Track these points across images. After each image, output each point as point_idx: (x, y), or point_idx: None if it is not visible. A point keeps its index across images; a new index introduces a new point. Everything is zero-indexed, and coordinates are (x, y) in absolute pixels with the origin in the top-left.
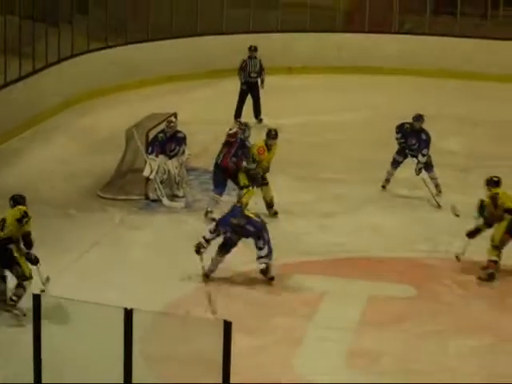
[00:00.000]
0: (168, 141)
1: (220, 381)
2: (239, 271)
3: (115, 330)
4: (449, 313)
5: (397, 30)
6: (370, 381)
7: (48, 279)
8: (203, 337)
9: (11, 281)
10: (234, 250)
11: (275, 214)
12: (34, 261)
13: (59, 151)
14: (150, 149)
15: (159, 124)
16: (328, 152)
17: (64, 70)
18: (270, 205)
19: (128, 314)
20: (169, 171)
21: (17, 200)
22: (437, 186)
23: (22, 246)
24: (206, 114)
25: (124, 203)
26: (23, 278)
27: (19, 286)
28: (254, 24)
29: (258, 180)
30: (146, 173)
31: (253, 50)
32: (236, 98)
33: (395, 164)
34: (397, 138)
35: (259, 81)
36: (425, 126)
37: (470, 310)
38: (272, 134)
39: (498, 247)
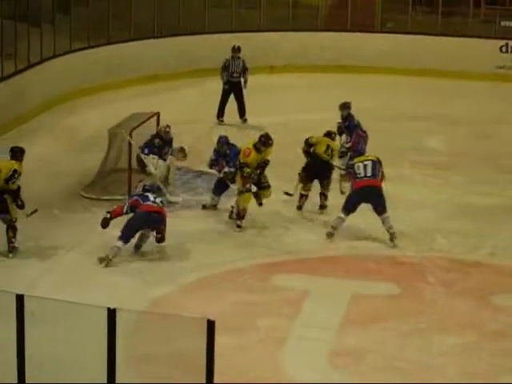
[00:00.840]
0: (164, 145)
1: (203, 381)
2: (222, 270)
3: (99, 330)
4: (432, 311)
5: (379, 29)
6: (354, 380)
7: (36, 211)
8: (186, 336)
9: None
10: (214, 249)
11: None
12: (21, 206)
13: (42, 151)
14: (146, 150)
15: (142, 123)
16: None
17: (46, 70)
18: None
19: (111, 314)
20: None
21: (14, 153)
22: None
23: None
24: (189, 114)
25: (107, 203)
26: (11, 222)
27: (11, 227)
28: (236, 23)
29: (254, 180)
30: (151, 169)
31: (236, 49)
32: (219, 97)
33: None
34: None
35: (242, 81)
36: (405, 124)
37: (453, 308)
38: (268, 143)
39: None
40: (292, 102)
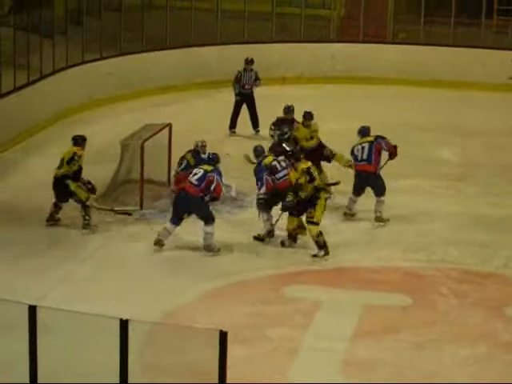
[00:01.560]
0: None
1: None
2: (235, 281)
3: (112, 341)
4: (444, 322)
5: (391, 40)
6: None
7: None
8: (199, 347)
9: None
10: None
11: None
12: (92, 190)
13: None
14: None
15: (154, 135)
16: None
17: (59, 81)
18: None
19: (124, 325)
20: None
21: (76, 141)
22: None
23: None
24: (201, 125)
25: (120, 214)
26: (83, 203)
27: (85, 207)
28: (248, 34)
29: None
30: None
31: (249, 62)
32: (231, 108)
33: None
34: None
35: (254, 91)
36: (418, 135)
37: (465, 319)
38: (310, 115)
39: None
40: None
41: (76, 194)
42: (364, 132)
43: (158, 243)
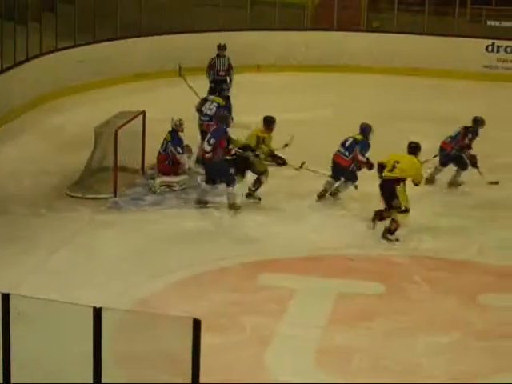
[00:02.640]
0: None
1: (189, 380)
2: (207, 269)
3: (85, 329)
4: (418, 310)
5: (365, 28)
6: (340, 380)
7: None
8: (172, 335)
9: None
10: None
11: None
12: (282, 162)
13: (28, 150)
14: (180, 149)
15: (128, 122)
16: (297, 149)
17: (33, 68)
18: None
19: (97, 313)
20: None
21: (267, 121)
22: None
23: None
24: (174, 112)
25: (93, 202)
26: (260, 173)
27: (257, 180)
28: (222, 22)
29: None
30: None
31: (221, 48)
32: (204, 95)
33: None
34: None
35: (228, 79)
36: (392, 123)
37: (438, 307)
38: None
39: None
40: (278, 101)
41: (255, 165)
42: (362, 130)
43: (200, 202)
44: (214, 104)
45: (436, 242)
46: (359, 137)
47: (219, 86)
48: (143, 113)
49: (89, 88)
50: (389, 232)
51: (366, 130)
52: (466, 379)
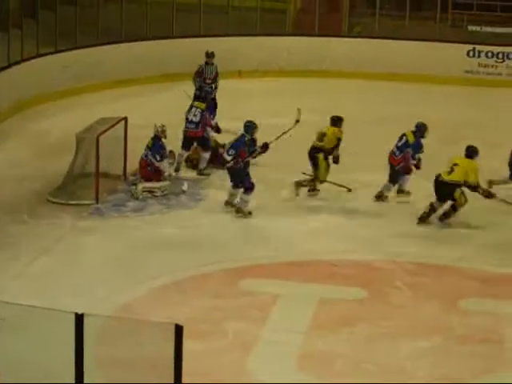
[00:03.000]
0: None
1: None
2: (189, 275)
3: (67, 335)
4: (399, 315)
5: (347, 34)
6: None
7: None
8: (154, 341)
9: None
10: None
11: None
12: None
13: (10, 155)
14: (158, 157)
15: (110, 128)
16: (278, 155)
17: (14, 74)
18: None
19: (79, 319)
20: None
21: (336, 120)
22: None
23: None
24: (157, 119)
25: (75, 208)
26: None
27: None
28: (204, 28)
29: None
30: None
31: (210, 55)
32: (187, 101)
33: None
34: None
35: (213, 86)
36: (374, 129)
37: (420, 312)
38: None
39: None
40: (260, 107)
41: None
42: (417, 129)
43: (229, 204)
44: (198, 110)
45: (418, 248)
46: (412, 138)
47: (205, 93)
48: (125, 119)
49: (71, 94)
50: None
51: (420, 128)
52: (446, 382)
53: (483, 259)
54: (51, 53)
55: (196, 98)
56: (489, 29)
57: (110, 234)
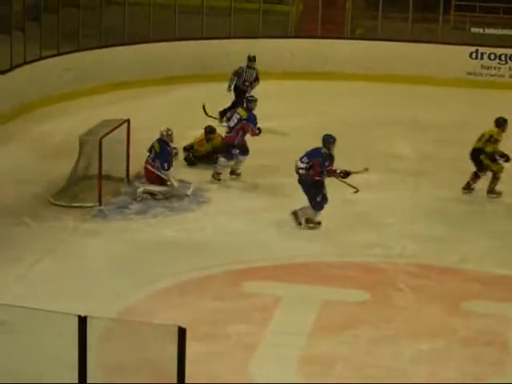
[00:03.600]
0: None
1: None
2: (191, 278)
3: (70, 338)
4: (402, 317)
5: (349, 36)
6: None
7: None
8: (157, 343)
9: None
10: (185, 255)
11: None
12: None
13: (13, 158)
14: (166, 165)
15: (113, 130)
16: (281, 157)
17: (17, 77)
18: None
19: (82, 321)
20: None
21: (500, 121)
22: None
23: None
24: (159, 121)
25: (78, 211)
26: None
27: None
28: (207, 30)
29: None
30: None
31: (252, 59)
32: (189, 103)
33: None
34: None
35: (250, 89)
36: (375, 130)
37: (423, 314)
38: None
39: None
40: (261, 109)
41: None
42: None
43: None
44: (237, 116)
45: (419, 249)
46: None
47: (241, 95)
48: (128, 121)
49: (73, 96)
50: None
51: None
52: None
53: (485, 261)
54: (54, 55)
55: (237, 102)
56: (491, 31)
57: (113, 236)
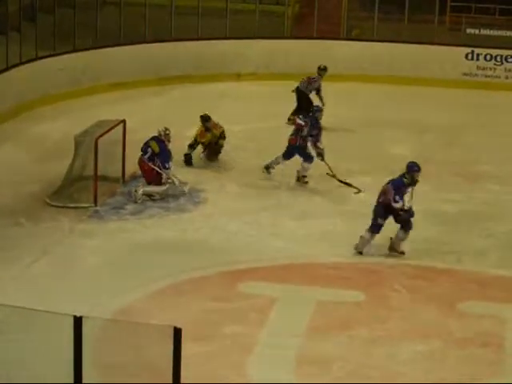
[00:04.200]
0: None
1: None
2: (187, 278)
3: (66, 338)
4: (398, 318)
5: (345, 37)
6: None
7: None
8: (153, 344)
9: None
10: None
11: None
12: None
13: (8, 159)
14: (167, 165)
15: (108, 131)
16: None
17: (13, 77)
18: None
19: (77, 322)
20: None
21: None
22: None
23: None
24: (155, 122)
25: (73, 211)
26: None
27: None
28: (202, 31)
29: None
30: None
31: (323, 69)
32: (184, 104)
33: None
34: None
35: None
36: (372, 131)
37: (418, 315)
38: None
39: None
40: (258, 110)
41: None
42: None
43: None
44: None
45: (414, 250)
46: None
47: (303, 100)
48: (123, 122)
49: (69, 97)
50: None
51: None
52: None
53: (480, 262)
54: (50, 56)
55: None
56: (487, 32)
57: (108, 237)
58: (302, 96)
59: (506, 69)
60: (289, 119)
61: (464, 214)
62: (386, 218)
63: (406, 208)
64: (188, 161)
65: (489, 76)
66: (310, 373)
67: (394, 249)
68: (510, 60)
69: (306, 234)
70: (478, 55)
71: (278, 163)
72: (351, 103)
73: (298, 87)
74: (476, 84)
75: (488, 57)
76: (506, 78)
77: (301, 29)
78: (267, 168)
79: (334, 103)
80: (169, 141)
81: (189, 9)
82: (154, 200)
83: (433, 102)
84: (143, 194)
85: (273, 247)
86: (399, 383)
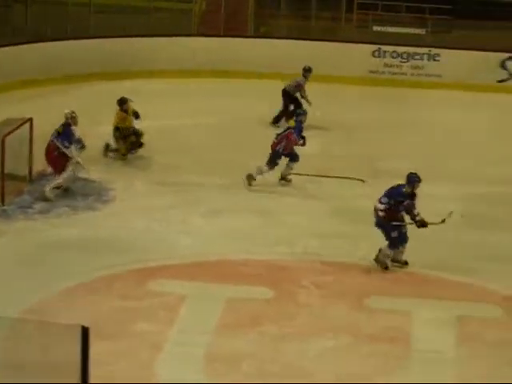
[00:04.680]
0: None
1: None
2: (97, 277)
3: None
4: (307, 314)
5: (252, 34)
6: None
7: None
8: (61, 343)
9: None
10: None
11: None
12: None
13: None
14: (67, 142)
15: (15, 129)
16: (185, 156)
17: None
18: None
19: None
20: None
21: None
22: None
23: None
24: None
25: None
26: None
27: None
28: (118, 29)
29: None
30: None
31: (308, 70)
32: (91, 103)
33: None
34: None
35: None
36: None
37: (328, 311)
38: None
39: None
40: (165, 107)
41: None
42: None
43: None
44: (286, 126)
45: (322, 246)
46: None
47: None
48: (30, 120)
49: None
50: None
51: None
52: (354, 382)
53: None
54: None
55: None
56: (393, 29)
57: (16, 236)
58: (288, 98)
59: (412, 66)
60: (274, 122)
61: (368, 210)
62: (395, 230)
63: (417, 219)
64: (106, 154)
65: (395, 73)
66: (219, 370)
67: (396, 260)
68: (416, 57)
69: (217, 232)
70: (384, 52)
71: (262, 173)
72: (258, 101)
73: (284, 89)
74: (383, 81)
75: (394, 54)
76: (412, 75)
77: (208, 26)
78: (249, 178)
79: (241, 101)
80: (75, 124)
81: (105, 7)
82: (65, 189)
83: (339, 98)
84: (53, 188)
85: (182, 245)
86: (307, 380)
